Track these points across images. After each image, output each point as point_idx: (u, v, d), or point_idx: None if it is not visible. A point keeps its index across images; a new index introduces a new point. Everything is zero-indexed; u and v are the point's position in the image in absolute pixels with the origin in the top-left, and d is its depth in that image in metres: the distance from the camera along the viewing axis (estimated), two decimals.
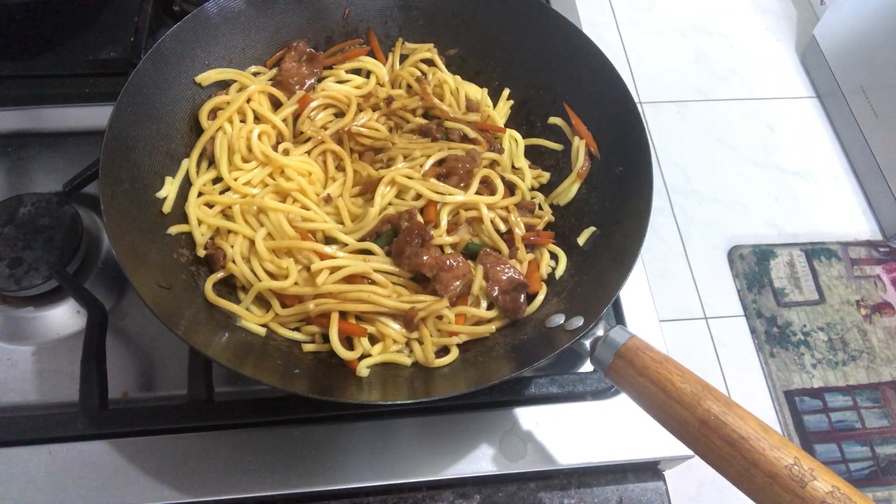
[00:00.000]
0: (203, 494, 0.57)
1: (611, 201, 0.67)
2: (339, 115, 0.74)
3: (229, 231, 0.64)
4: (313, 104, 0.72)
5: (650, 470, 0.62)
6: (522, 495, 0.60)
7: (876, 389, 1.62)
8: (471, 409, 0.63)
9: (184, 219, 0.64)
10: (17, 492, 0.56)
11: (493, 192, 0.69)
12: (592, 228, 0.67)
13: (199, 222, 0.64)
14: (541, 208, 0.71)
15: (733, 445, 0.45)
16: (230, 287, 0.64)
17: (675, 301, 1.71)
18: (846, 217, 1.87)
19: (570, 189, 0.71)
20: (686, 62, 2.12)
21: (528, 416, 0.63)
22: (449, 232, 0.66)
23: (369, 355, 0.60)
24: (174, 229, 0.63)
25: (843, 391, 1.61)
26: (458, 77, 0.77)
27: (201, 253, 0.63)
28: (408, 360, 0.61)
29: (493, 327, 0.63)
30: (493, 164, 0.71)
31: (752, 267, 1.76)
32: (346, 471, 0.59)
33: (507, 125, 0.76)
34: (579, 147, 0.70)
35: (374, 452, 0.60)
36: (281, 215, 0.64)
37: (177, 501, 0.57)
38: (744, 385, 1.60)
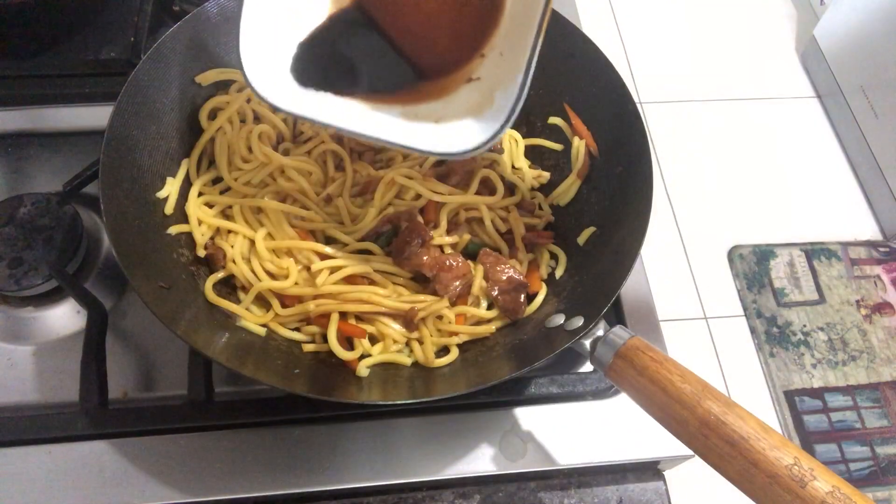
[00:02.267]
0: (203, 494, 0.57)
1: (611, 201, 0.67)
2: None
3: (229, 231, 0.64)
4: None
5: (650, 470, 0.62)
6: (522, 495, 0.60)
7: (876, 389, 1.62)
8: (471, 409, 0.63)
9: (184, 219, 0.64)
10: (17, 492, 0.56)
11: (492, 192, 0.69)
12: (592, 228, 0.67)
13: (199, 222, 0.64)
14: (541, 208, 0.71)
15: (733, 445, 0.45)
16: (230, 287, 0.64)
17: (675, 301, 1.71)
18: (846, 217, 1.86)
19: (569, 189, 0.71)
20: (686, 62, 2.12)
21: (528, 416, 0.63)
22: (449, 232, 0.66)
23: (369, 355, 0.60)
24: (174, 229, 0.63)
25: (843, 391, 1.61)
26: None
27: (201, 253, 0.63)
28: (408, 360, 0.61)
29: (492, 327, 0.63)
30: (492, 165, 0.71)
31: (752, 267, 1.76)
32: (346, 471, 0.59)
33: None
34: (579, 147, 0.70)
35: (373, 452, 0.60)
36: (281, 215, 0.64)
37: (177, 501, 0.57)
38: (744, 385, 1.60)
